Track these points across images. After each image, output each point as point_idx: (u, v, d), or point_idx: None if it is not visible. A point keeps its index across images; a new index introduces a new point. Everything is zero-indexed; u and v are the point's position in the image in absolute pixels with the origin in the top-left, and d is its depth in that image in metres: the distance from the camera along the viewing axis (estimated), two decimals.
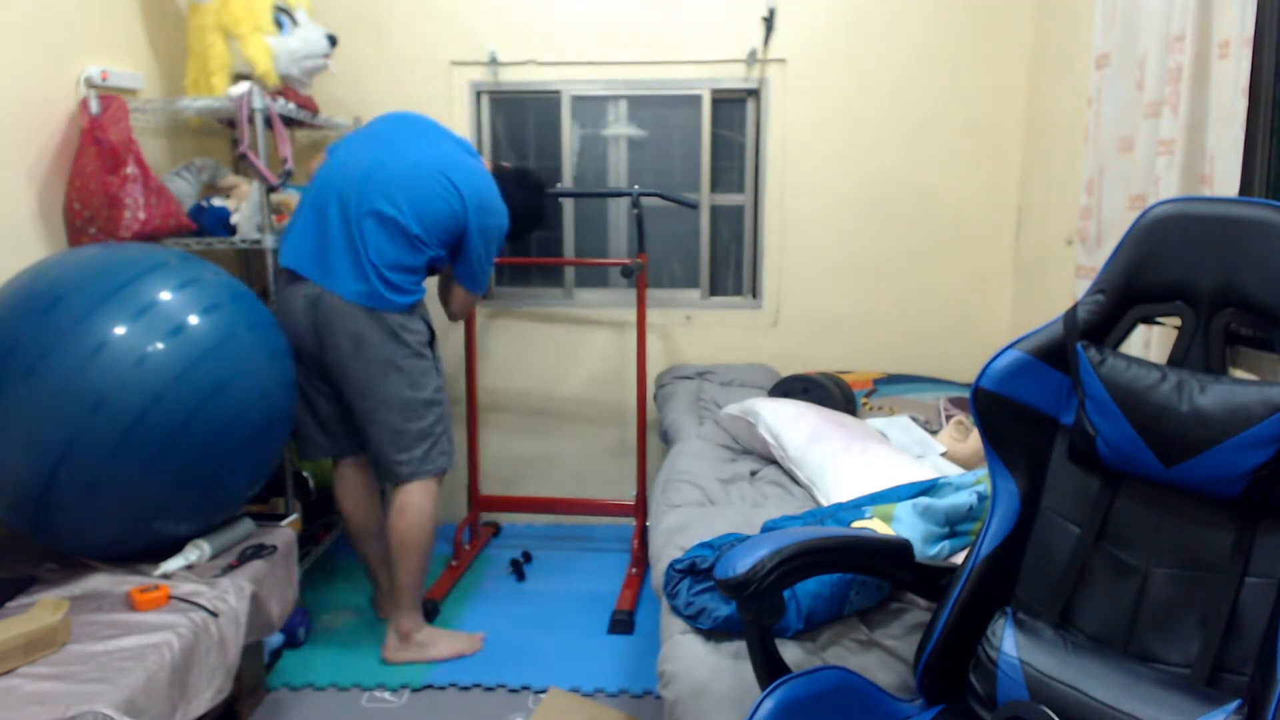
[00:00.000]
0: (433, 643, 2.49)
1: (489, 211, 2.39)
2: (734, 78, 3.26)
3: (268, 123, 2.50)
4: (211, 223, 2.57)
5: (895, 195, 3.29)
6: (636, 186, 2.98)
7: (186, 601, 1.81)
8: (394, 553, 2.43)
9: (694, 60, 3.24)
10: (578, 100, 3.34)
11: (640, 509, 3.06)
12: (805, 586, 1.51)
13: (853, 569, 1.37)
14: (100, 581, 1.89)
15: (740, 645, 1.48)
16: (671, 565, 1.64)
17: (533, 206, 2.61)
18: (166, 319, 1.85)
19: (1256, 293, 1.15)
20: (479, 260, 2.42)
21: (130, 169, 2.32)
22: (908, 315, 3.37)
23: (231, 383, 1.91)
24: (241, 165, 3.06)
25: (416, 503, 2.41)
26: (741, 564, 1.25)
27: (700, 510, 2.01)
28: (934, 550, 1.63)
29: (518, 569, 3.04)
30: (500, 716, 2.22)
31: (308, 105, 2.80)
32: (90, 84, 2.38)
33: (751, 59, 3.20)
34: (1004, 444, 1.33)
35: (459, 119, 3.29)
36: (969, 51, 3.18)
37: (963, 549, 1.67)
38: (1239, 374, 1.43)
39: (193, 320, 1.88)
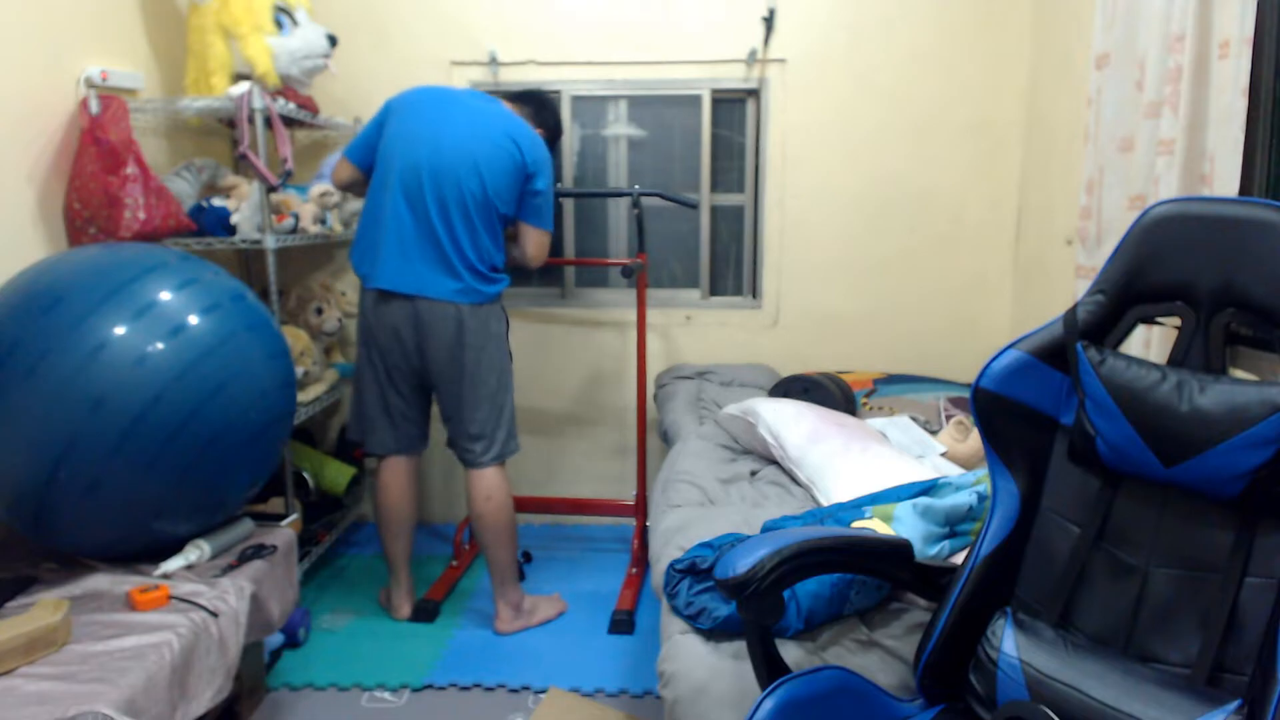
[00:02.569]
0: (537, 608, 2.70)
1: (537, 147, 2.46)
2: (734, 78, 3.26)
3: (268, 123, 2.50)
4: (211, 223, 2.57)
5: (895, 195, 3.29)
6: (637, 186, 2.98)
7: (186, 601, 1.81)
8: (489, 537, 2.56)
9: (694, 60, 3.24)
10: (578, 100, 3.34)
11: (640, 509, 3.06)
12: (805, 586, 1.51)
13: (853, 569, 1.37)
14: (100, 581, 1.89)
15: (740, 645, 1.48)
16: (671, 565, 1.64)
17: (555, 123, 2.71)
18: (166, 319, 1.85)
19: (1256, 293, 1.15)
20: (545, 198, 2.49)
21: (130, 169, 2.32)
22: (908, 315, 3.37)
23: (231, 383, 1.91)
24: (241, 165, 3.06)
25: (499, 486, 2.55)
26: (741, 564, 1.25)
27: (700, 510, 2.01)
28: (934, 550, 1.63)
29: (518, 569, 3.03)
30: (500, 716, 2.22)
31: (308, 105, 2.80)
32: (90, 84, 2.38)
33: (751, 59, 3.20)
34: (1004, 444, 1.33)
35: None
36: (969, 51, 3.18)
37: (963, 549, 1.67)
38: (1239, 374, 1.43)
39: (193, 320, 1.88)
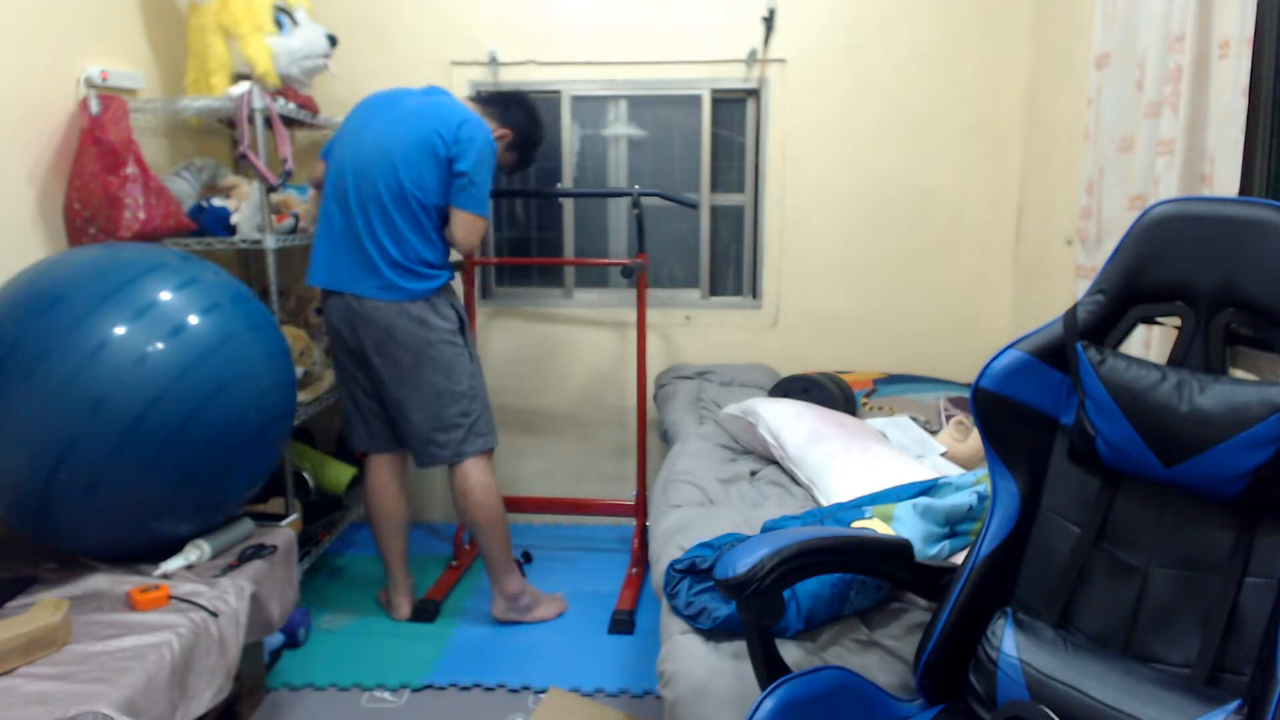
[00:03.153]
0: (537, 605, 2.70)
1: (466, 130, 2.35)
2: (734, 78, 3.26)
3: (268, 123, 2.50)
4: (211, 223, 2.57)
5: (895, 195, 3.29)
6: (637, 186, 2.98)
7: (186, 601, 1.81)
8: (474, 531, 2.58)
9: (694, 60, 3.24)
10: (578, 100, 3.34)
11: (640, 509, 3.06)
12: (805, 586, 1.51)
13: (853, 569, 1.37)
14: (100, 581, 1.89)
15: (740, 645, 1.48)
16: (671, 565, 1.64)
17: (526, 123, 2.62)
18: (166, 319, 1.85)
19: (1256, 293, 1.15)
20: (472, 181, 2.36)
21: (130, 169, 2.32)
22: (908, 315, 3.37)
23: (231, 383, 1.91)
24: (241, 165, 3.06)
25: (475, 480, 2.53)
26: (741, 564, 1.25)
27: (700, 510, 2.01)
28: (934, 550, 1.63)
29: (518, 569, 3.03)
30: (500, 716, 2.22)
31: (308, 105, 2.80)
32: (90, 84, 2.38)
33: (751, 59, 3.20)
34: (1004, 444, 1.33)
35: None
36: (969, 51, 3.18)
37: (963, 549, 1.67)
38: (1239, 374, 1.43)
39: (193, 320, 1.88)
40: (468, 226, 2.40)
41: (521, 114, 2.61)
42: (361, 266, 2.38)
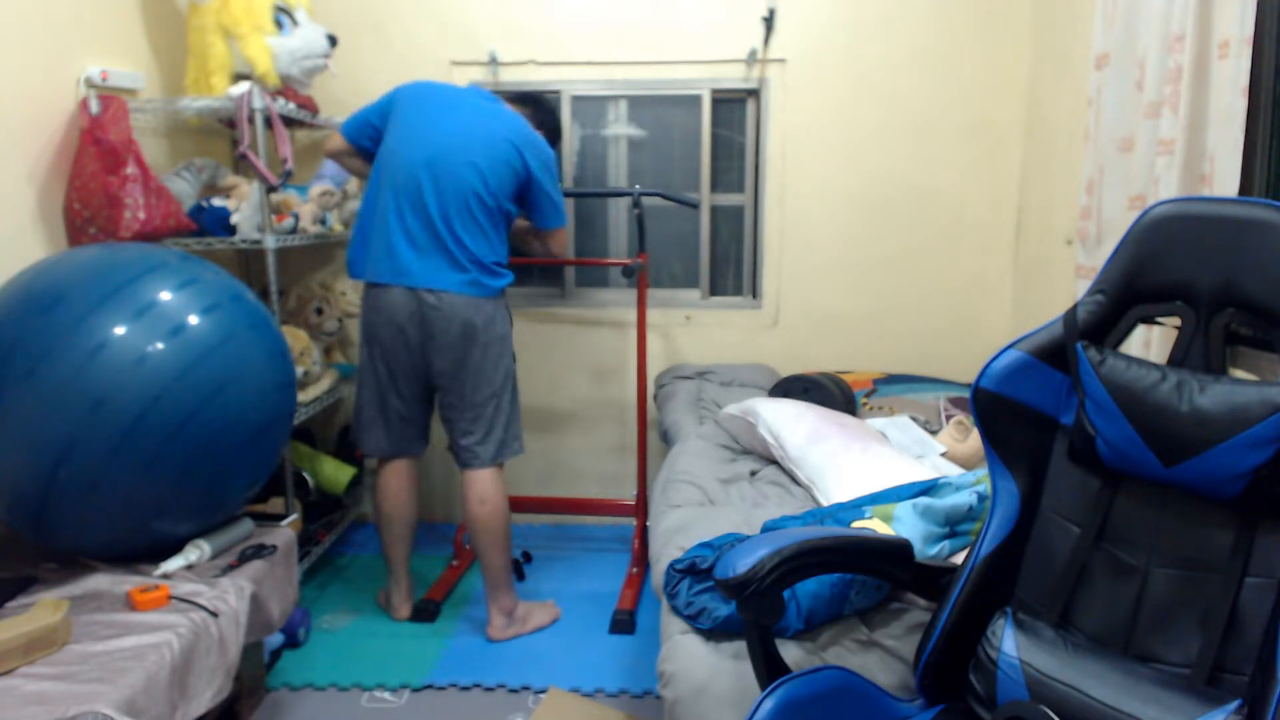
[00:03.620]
0: (531, 615, 2.65)
1: (539, 147, 2.47)
2: (734, 78, 3.26)
3: (268, 123, 2.50)
4: (211, 223, 2.57)
5: (895, 195, 3.29)
6: (637, 186, 2.98)
7: (186, 601, 1.81)
8: (483, 541, 2.55)
9: (694, 60, 3.24)
10: (578, 100, 3.34)
11: (640, 509, 3.06)
12: (805, 586, 1.51)
13: (853, 569, 1.37)
14: (100, 581, 1.89)
15: (740, 645, 1.48)
16: (671, 565, 1.64)
17: (554, 124, 2.76)
18: (166, 319, 1.85)
19: (1256, 293, 1.15)
20: (554, 198, 2.52)
21: (130, 169, 2.32)
22: (908, 315, 3.37)
23: (231, 383, 1.91)
24: (241, 165, 3.06)
25: (495, 489, 2.53)
26: (741, 564, 1.25)
27: (700, 510, 2.01)
28: (934, 550, 1.63)
29: (518, 569, 3.04)
30: (500, 716, 2.22)
31: (308, 105, 2.80)
32: (90, 84, 2.38)
33: (751, 59, 3.20)
34: (1004, 444, 1.33)
35: None
36: (969, 51, 3.18)
37: (963, 549, 1.67)
38: (1239, 374, 1.43)
39: (193, 320, 1.88)
40: (560, 240, 2.62)
41: (550, 117, 2.72)
42: (441, 260, 2.36)
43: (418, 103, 2.44)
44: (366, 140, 2.50)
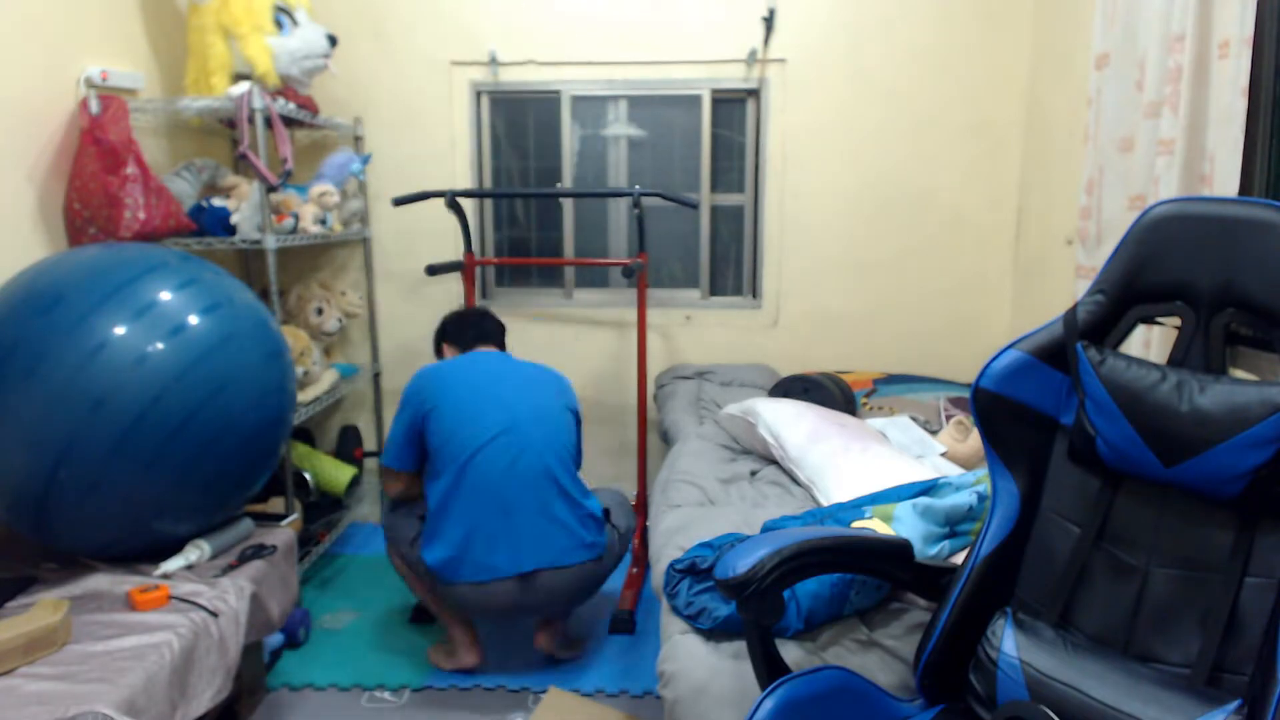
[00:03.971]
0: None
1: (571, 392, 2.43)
2: (734, 78, 3.26)
3: (268, 123, 2.50)
4: (211, 223, 2.57)
5: (895, 195, 3.29)
6: (637, 186, 2.98)
7: (186, 601, 1.81)
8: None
9: (694, 60, 3.24)
10: (578, 100, 3.34)
11: (640, 509, 3.06)
12: (805, 586, 1.51)
13: (853, 569, 1.37)
14: (100, 581, 1.89)
15: (740, 645, 1.48)
16: (671, 565, 1.64)
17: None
18: (166, 319, 1.85)
19: (1256, 293, 1.15)
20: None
21: (130, 169, 2.32)
22: (908, 315, 3.37)
23: (231, 383, 1.91)
24: (241, 165, 3.06)
25: None
26: (741, 564, 1.25)
27: (700, 510, 2.01)
28: (934, 550, 1.63)
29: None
30: (500, 716, 2.22)
31: (308, 105, 2.80)
32: (90, 84, 2.38)
33: (751, 59, 3.20)
34: (1004, 444, 1.33)
35: (459, 119, 3.29)
36: (969, 51, 3.18)
37: (963, 549, 1.67)
38: (1239, 374, 1.43)
39: (193, 320, 1.88)
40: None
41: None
42: (560, 532, 2.21)
43: (463, 386, 2.28)
44: (422, 457, 2.32)
